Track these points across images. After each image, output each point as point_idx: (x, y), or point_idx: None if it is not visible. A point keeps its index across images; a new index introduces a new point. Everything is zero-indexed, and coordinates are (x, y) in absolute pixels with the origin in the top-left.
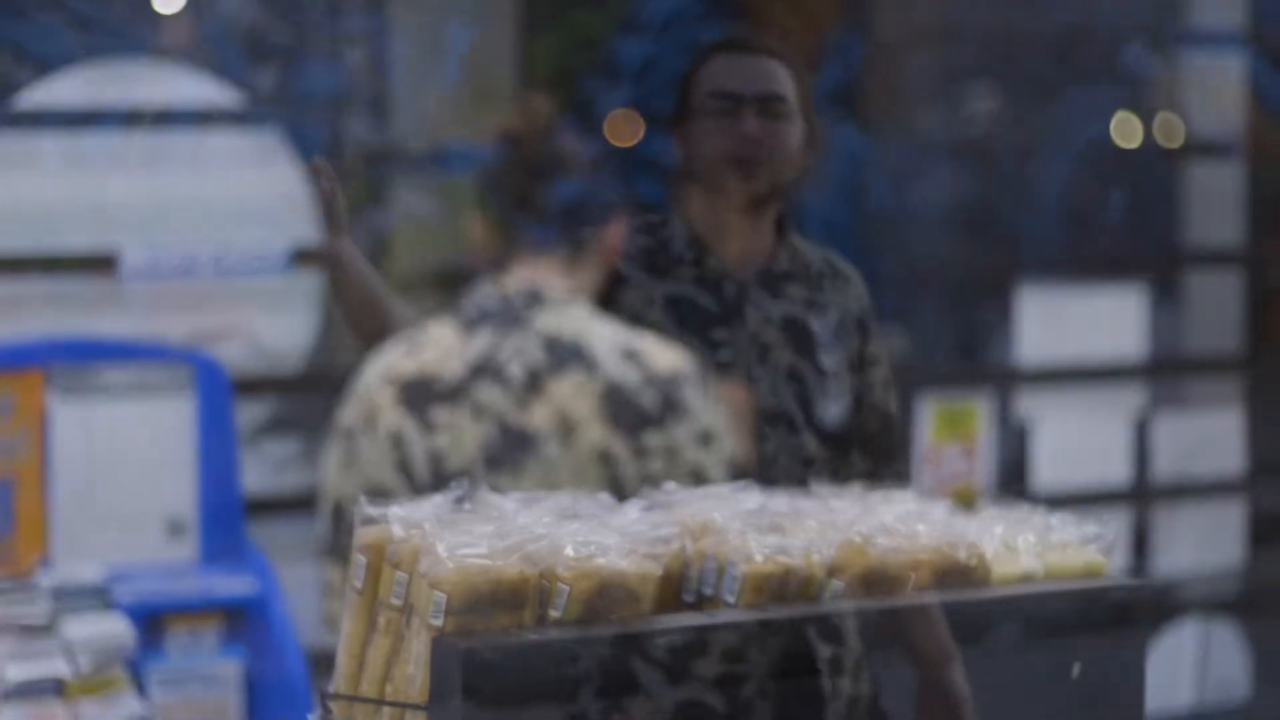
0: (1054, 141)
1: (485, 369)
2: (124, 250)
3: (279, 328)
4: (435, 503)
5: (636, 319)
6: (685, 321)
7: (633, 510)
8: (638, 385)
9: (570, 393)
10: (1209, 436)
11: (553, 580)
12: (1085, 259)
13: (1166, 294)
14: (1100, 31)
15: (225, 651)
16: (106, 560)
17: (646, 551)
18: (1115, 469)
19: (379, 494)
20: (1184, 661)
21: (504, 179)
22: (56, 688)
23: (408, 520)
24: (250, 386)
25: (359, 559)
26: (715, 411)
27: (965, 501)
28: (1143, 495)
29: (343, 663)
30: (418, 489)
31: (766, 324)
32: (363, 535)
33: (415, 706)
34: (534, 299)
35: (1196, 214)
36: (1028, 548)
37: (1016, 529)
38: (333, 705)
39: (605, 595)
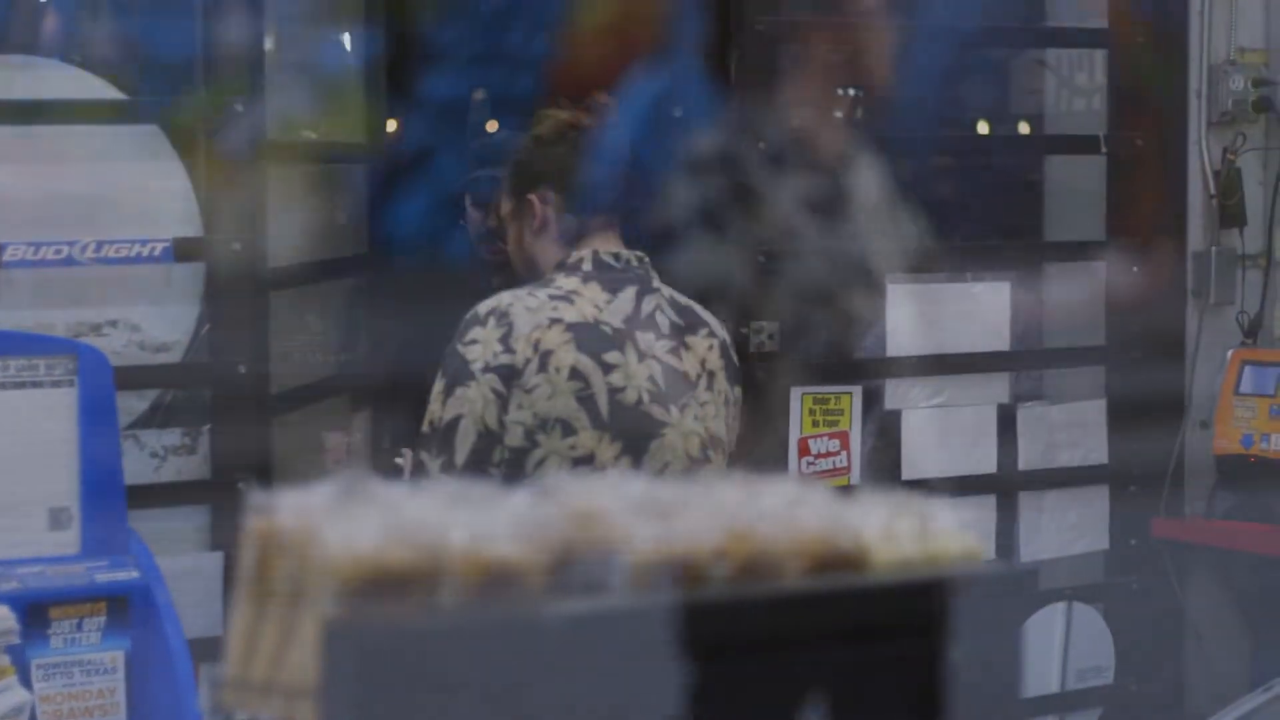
0: (919, 136)
1: (638, 320)
2: (5, 242)
3: (160, 320)
4: (325, 490)
5: None
6: None
7: (520, 498)
8: (730, 345)
9: (706, 347)
10: (1073, 426)
11: (442, 568)
12: (951, 253)
13: (1030, 287)
14: (966, 27)
15: (109, 640)
16: None
17: (534, 539)
18: (982, 458)
19: (556, 423)
20: (1049, 647)
21: (569, 165)
22: None
23: (298, 507)
24: (132, 378)
25: (249, 546)
26: None
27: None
28: (1008, 484)
29: (233, 650)
30: (597, 419)
31: None
32: (253, 522)
33: (306, 693)
34: (642, 265)
35: (1058, 208)
36: (907, 534)
37: (895, 516)
38: (223, 692)
39: (493, 583)
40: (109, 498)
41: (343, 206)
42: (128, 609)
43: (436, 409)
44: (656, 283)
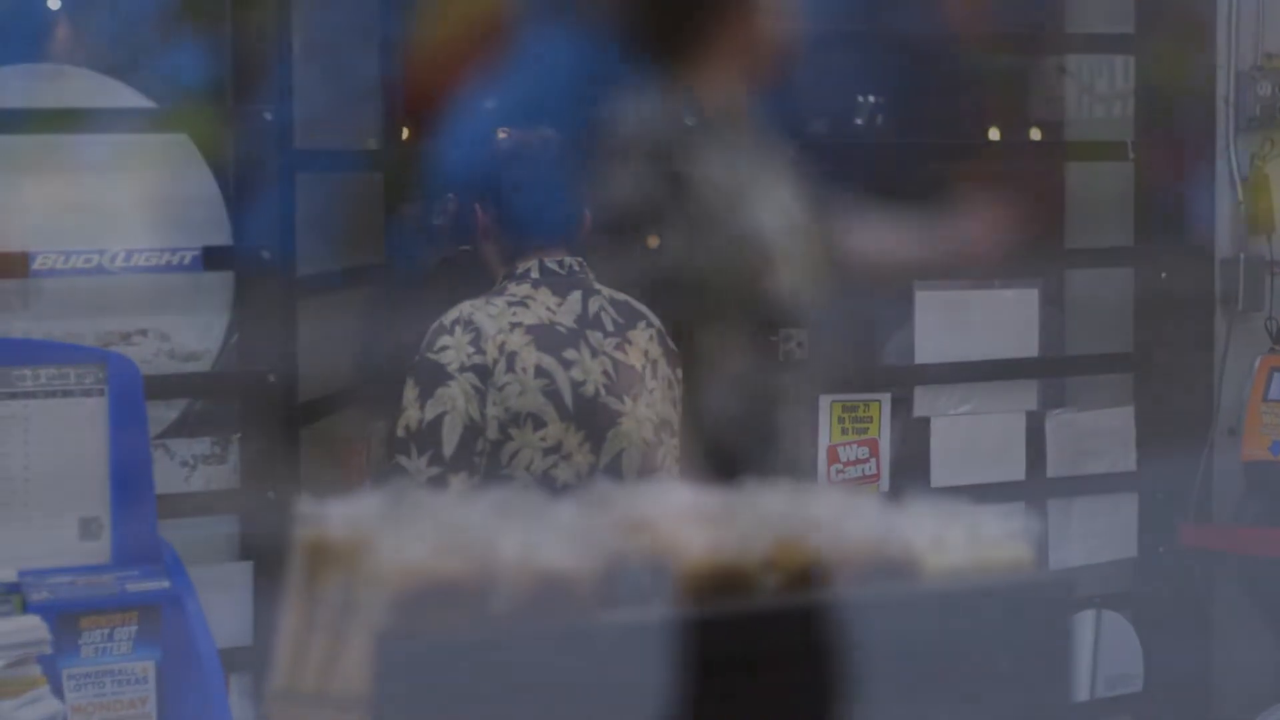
0: (942, 143)
1: (587, 320)
2: (34, 251)
3: (190, 329)
4: (374, 500)
5: None
6: None
7: (569, 507)
8: (664, 332)
9: (646, 339)
10: (1101, 434)
11: (493, 578)
12: (978, 260)
13: (1057, 294)
14: (985, 33)
15: (140, 650)
16: (19, 561)
17: (585, 549)
18: (1010, 465)
19: (527, 417)
20: (1077, 655)
21: (504, 188)
22: None
23: (347, 518)
24: (161, 387)
25: (298, 557)
26: None
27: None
28: (1036, 491)
29: (282, 662)
30: (564, 412)
31: None
32: (301, 533)
33: (356, 704)
34: (582, 270)
35: (1085, 214)
36: (956, 542)
37: (945, 524)
38: (271, 702)
39: (544, 593)
40: (139, 507)
41: (369, 213)
42: (159, 619)
43: (414, 413)
44: (596, 285)
